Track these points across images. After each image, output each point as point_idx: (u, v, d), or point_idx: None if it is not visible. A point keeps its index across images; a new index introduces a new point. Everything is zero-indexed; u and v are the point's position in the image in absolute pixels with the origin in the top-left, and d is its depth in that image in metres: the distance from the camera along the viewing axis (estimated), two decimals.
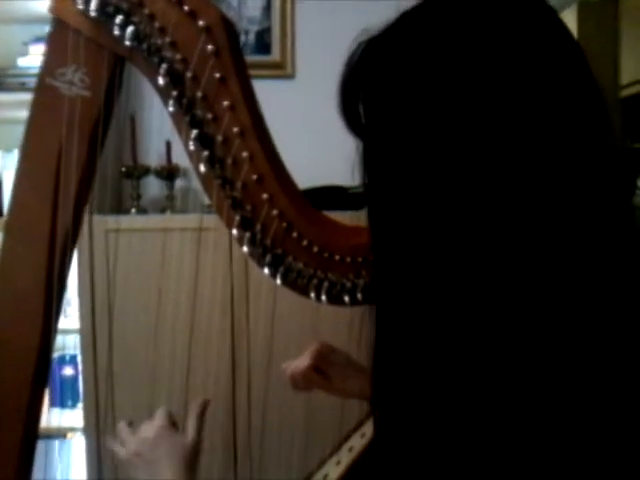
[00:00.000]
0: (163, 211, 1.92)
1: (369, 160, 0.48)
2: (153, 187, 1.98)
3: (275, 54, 1.96)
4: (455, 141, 0.42)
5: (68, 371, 1.97)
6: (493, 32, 0.43)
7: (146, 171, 1.89)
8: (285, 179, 0.80)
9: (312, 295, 0.77)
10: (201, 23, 0.76)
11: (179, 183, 1.94)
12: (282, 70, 1.96)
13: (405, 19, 0.47)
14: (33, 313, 0.84)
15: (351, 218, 0.77)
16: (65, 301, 2.01)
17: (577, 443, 0.39)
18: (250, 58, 1.93)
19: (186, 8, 0.76)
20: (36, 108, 0.83)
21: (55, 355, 1.98)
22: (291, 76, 1.98)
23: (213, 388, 1.72)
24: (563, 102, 0.43)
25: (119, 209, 1.90)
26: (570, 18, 1.87)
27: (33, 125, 0.83)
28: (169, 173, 1.88)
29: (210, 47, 0.76)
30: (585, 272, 0.42)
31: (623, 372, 0.41)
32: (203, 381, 1.68)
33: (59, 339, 1.99)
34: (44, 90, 0.82)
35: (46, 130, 0.82)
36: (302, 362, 0.85)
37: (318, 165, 1.72)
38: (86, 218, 1.81)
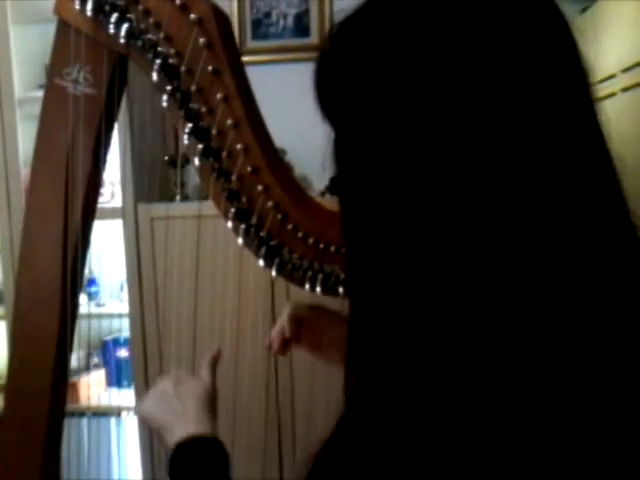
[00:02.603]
0: (207, 198, 1.95)
1: (340, 148, 0.47)
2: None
3: (314, 37, 1.94)
4: (429, 127, 0.41)
5: (123, 353, 2.06)
6: (467, 14, 0.41)
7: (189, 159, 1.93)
8: (281, 170, 0.79)
9: (307, 286, 0.77)
10: (192, 16, 0.76)
11: None
12: None
13: (372, 5, 0.45)
14: (51, 300, 0.88)
15: None
16: (119, 285, 2.11)
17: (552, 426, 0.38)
18: (289, 41, 1.93)
19: (177, 2, 0.77)
20: (46, 107, 0.86)
21: (110, 338, 2.08)
22: None
23: (257, 367, 1.75)
24: (542, 83, 0.41)
25: (164, 197, 1.95)
26: None
27: (44, 124, 0.86)
28: None
29: (202, 40, 0.77)
30: (569, 262, 0.40)
31: (617, 367, 0.39)
32: (247, 361, 1.71)
33: (114, 322, 2.08)
34: (52, 89, 0.85)
35: (56, 128, 0.85)
36: (277, 333, 0.85)
37: None
38: (132, 206, 1.88)
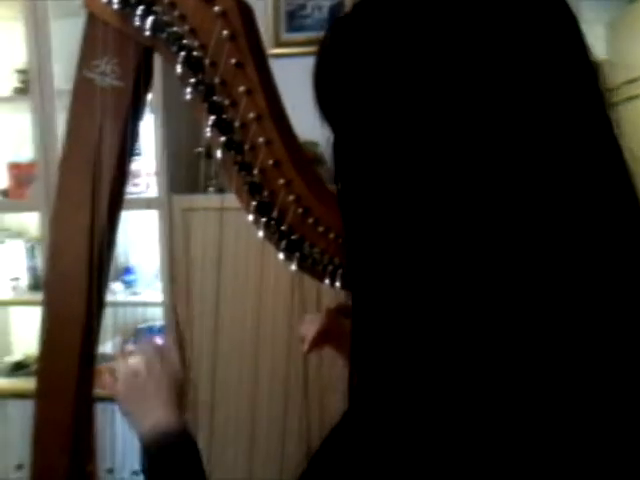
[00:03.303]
0: None
1: (340, 147, 0.47)
2: None
3: None
4: (429, 125, 0.40)
5: (157, 341, 2.10)
6: (469, 11, 0.40)
7: None
8: (302, 164, 0.79)
9: (327, 281, 0.77)
10: (216, 9, 0.76)
11: None
12: None
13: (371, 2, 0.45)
14: (78, 288, 0.90)
15: None
16: (154, 274, 2.14)
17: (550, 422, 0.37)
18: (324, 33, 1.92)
19: None
20: (75, 99, 0.87)
21: (144, 325, 2.11)
22: None
23: (285, 360, 1.76)
24: (544, 78, 0.40)
25: (199, 188, 1.97)
26: None
27: (73, 116, 0.88)
28: None
29: (225, 32, 0.76)
30: (572, 261, 0.39)
31: (619, 366, 0.39)
32: (272, 350, 1.73)
33: (149, 310, 2.12)
34: (81, 82, 0.87)
35: (84, 120, 0.87)
36: (312, 327, 0.86)
37: None
38: (167, 197, 1.90)
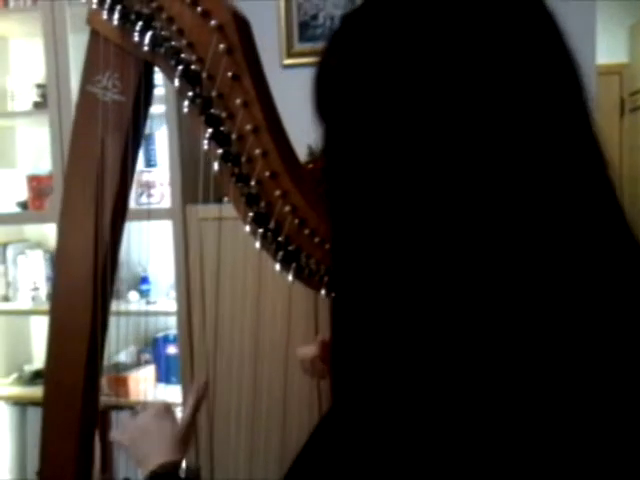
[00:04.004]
0: None
1: (337, 152, 0.47)
2: None
3: None
4: (425, 130, 0.40)
5: (172, 350, 2.11)
6: (464, 20, 0.40)
7: None
8: (299, 175, 0.79)
9: (323, 292, 0.77)
10: (213, 22, 0.77)
11: None
12: None
13: (371, 9, 0.45)
14: (83, 298, 0.91)
15: None
16: (169, 284, 2.16)
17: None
18: None
19: (199, 9, 0.78)
20: (78, 114, 0.89)
21: (160, 335, 2.13)
22: None
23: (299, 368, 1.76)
24: (535, 87, 0.40)
25: (213, 198, 1.98)
26: None
27: (76, 130, 0.89)
28: None
29: (222, 46, 0.77)
30: (563, 262, 0.39)
31: (615, 366, 0.38)
32: (289, 357, 1.72)
33: (165, 320, 2.14)
34: (84, 96, 0.88)
35: (86, 134, 0.88)
36: (309, 350, 0.86)
37: None
38: (180, 207, 1.92)
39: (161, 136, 2.00)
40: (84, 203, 0.90)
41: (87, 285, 0.91)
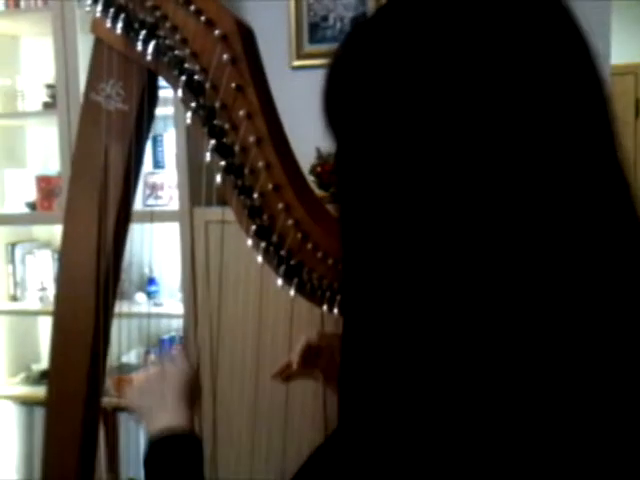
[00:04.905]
0: None
1: (346, 160, 0.46)
2: None
3: None
4: (436, 143, 0.39)
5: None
6: (477, 30, 0.39)
7: None
8: (303, 188, 0.78)
9: (324, 307, 0.75)
10: (217, 32, 0.76)
11: None
12: None
13: (383, 15, 0.45)
14: (86, 301, 0.91)
15: None
16: (177, 286, 2.16)
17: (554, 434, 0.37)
18: None
19: (203, 18, 0.77)
20: (82, 122, 0.89)
21: (166, 336, 2.13)
22: None
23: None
24: (556, 92, 0.39)
25: (219, 201, 1.98)
26: None
27: (80, 137, 0.89)
28: None
29: (226, 56, 0.76)
30: (570, 267, 0.39)
31: (618, 367, 0.39)
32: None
33: (172, 321, 2.14)
34: (89, 105, 0.88)
35: (90, 142, 0.88)
36: (290, 361, 0.85)
37: None
38: (188, 210, 1.91)
39: (169, 138, 1.99)
40: (88, 210, 0.89)
41: (89, 292, 0.91)
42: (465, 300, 0.39)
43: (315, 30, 1.95)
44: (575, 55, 0.41)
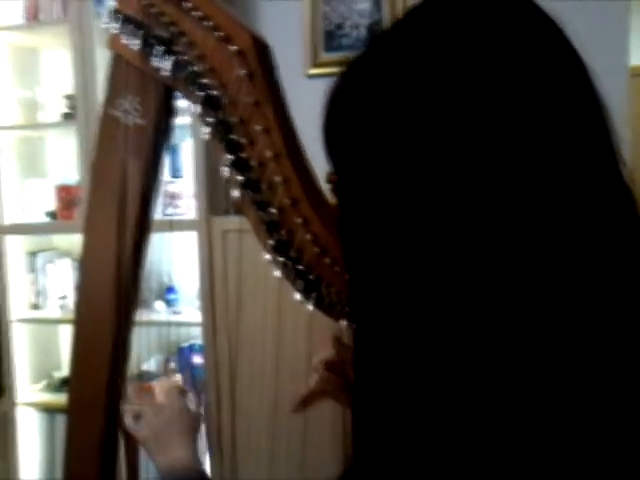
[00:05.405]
0: None
1: (346, 187, 0.47)
2: None
3: None
4: (435, 170, 0.40)
5: (198, 359, 2.12)
6: (473, 62, 0.40)
7: None
8: (320, 202, 0.78)
9: (343, 322, 0.75)
10: (233, 48, 0.76)
11: None
12: None
13: (385, 38, 0.46)
14: (106, 313, 0.91)
15: None
16: (195, 294, 2.17)
17: (570, 442, 0.38)
18: None
19: (221, 34, 0.77)
20: (100, 137, 0.89)
21: (186, 344, 2.14)
22: None
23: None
24: (554, 106, 0.40)
25: (237, 210, 1.99)
26: None
27: (98, 152, 0.89)
28: None
29: (243, 71, 0.76)
30: (572, 267, 0.39)
31: (619, 369, 0.39)
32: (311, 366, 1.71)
33: (191, 329, 2.15)
34: (107, 120, 0.88)
35: (108, 157, 0.88)
36: (309, 389, 0.87)
37: None
38: (205, 219, 1.92)
39: (187, 147, 2.01)
40: (107, 223, 0.89)
41: (110, 301, 0.91)
42: (468, 304, 0.39)
43: (331, 38, 1.95)
44: (572, 72, 0.41)
